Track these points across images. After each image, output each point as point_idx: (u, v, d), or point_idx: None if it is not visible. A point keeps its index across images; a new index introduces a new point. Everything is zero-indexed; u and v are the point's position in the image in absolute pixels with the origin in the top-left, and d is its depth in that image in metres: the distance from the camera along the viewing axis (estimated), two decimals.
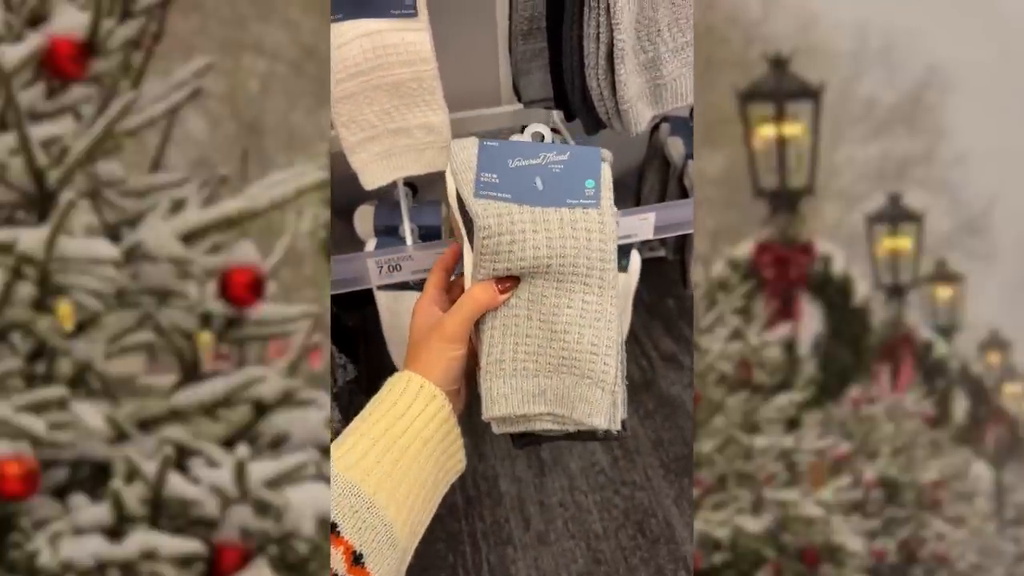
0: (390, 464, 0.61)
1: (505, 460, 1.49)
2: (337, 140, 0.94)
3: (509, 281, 0.69)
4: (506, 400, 0.67)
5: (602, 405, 0.67)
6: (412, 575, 0.65)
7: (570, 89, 0.95)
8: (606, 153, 0.74)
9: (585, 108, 0.96)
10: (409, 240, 1.08)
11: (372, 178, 0.97)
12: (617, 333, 0.69)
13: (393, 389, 0.66)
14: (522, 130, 0.86)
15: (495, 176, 0.70)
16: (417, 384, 0.65)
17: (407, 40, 0.84)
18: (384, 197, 1.31)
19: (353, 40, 0.83)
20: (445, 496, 0.69)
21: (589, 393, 0.67)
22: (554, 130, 1.28)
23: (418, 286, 1.20)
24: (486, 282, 0.68)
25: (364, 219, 1.32)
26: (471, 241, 0.69)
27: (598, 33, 0.88)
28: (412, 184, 1.41)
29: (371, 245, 1.25)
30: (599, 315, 0.68)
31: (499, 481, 1.45)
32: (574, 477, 1.46)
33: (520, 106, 1.11)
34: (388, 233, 1.30)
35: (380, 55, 0.84)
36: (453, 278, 0.77)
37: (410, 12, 0.84)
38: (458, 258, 0.75)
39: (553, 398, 0.68)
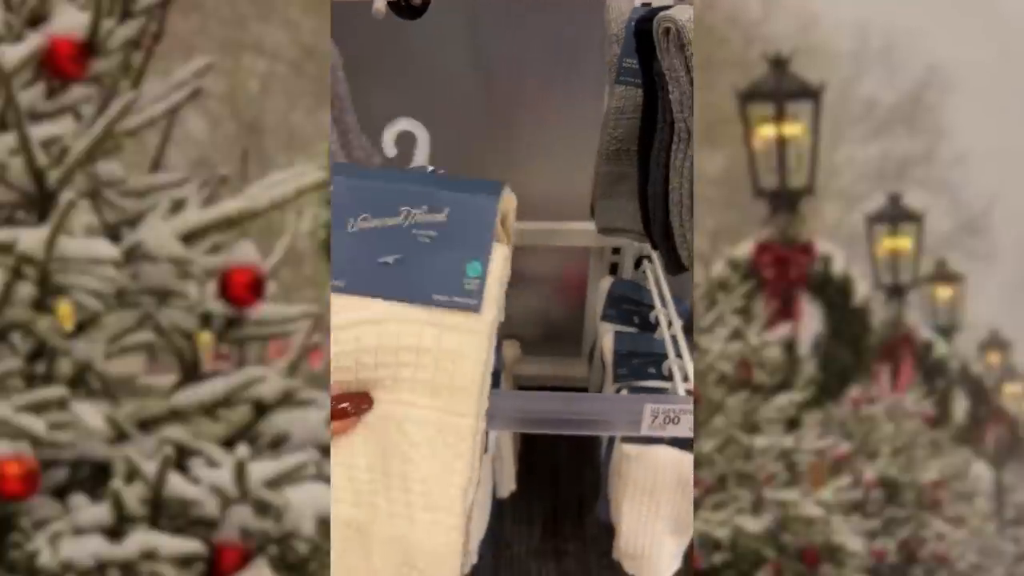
0: None
1: None
2: None
3: (359, 401, 0.49)
4: None
5: None
6: None
7: (652, 219, 0.79)
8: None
9: (667, 246, 0.79)
10: (681, 386, 0.84)
11: None
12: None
13: None
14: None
15: None
16: None
17: (445, 347, 0.48)
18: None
19: (347, 328, 0.48)
20: None
21: None
22: (648, 259, 1.19)
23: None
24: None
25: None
26: None
27: (683, 167, 0.72)
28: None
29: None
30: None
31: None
32: None
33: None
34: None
35: (384, 363, 0.48)
36: None
37: (470, 304, 0.47)
38: None
39: None
